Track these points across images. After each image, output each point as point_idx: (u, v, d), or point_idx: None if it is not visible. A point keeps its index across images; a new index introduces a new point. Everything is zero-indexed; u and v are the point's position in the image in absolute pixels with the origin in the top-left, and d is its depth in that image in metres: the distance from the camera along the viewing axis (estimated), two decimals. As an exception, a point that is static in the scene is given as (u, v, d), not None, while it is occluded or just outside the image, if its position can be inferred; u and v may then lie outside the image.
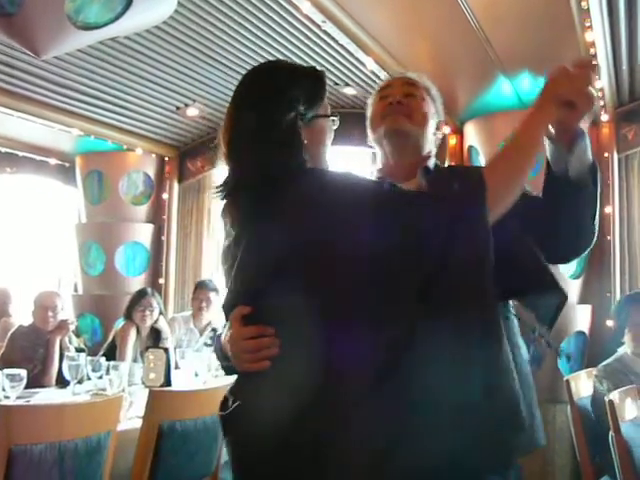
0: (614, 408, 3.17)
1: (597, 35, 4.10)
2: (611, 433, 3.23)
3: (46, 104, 5.76)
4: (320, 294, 1.43)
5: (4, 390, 3.40)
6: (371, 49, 4.42)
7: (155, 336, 5.01)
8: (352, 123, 6.45)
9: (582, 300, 5.21)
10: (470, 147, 5.54)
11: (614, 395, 3.28)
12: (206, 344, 5.24)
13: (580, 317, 5.10)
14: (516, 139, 1.56)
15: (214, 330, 5.38)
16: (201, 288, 5.62)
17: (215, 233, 7.24)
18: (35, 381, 4.17)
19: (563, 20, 3.83)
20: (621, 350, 4.04)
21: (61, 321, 4.56)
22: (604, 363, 4.00)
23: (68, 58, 4.84)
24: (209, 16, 4.44)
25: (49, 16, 3.24)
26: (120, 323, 5.12)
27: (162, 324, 5.07)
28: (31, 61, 4.73)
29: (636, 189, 5.46)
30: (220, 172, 7.22)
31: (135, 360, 4.76)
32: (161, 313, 5.11)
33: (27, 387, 3.68)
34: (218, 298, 5.48)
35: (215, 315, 5.56)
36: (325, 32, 4.40)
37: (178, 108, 6.22)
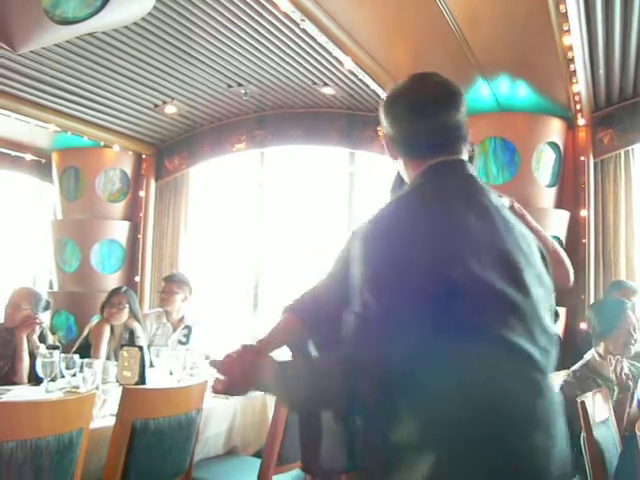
0: (586, 409, 3.19)
1: (575, 39, 4.14)
2: (583, 434, 3.25)
3: (22, 99, 5.71)
4: None
5: (-24, 387, 3.36)
6: (350, 48, 4.42)
7: (129, 335, 4.96)
8: (330, 123, 6.51)
9: (557, 303, 5.22)
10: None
11: (586, 396, 3.31)
12: (180, 342, 5.22)
13: (554, 319, 5.14)
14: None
15: (188, 327, 5.36)
16: (165, 280, 5.62)
17: (191, 231, 7.22)
18: (7, 379, 4.12)
19: (541, 24, 3.86)
20: (588, 355, 4.06)
21: (27, 317, 4.45)
22: (572, 369, 4.03)
23: (45, 53, 4.81)
24: (188, 13, 4.42)
25: (26, 10, 3.21)
26: (95, 320, 5.08)
27: (135, 324, 5.02)
28: (7, 55, 4.69)
29: (611, 193, 5.51)
30: (197, 170, 7.21)
31: (108, 358, 4.72)
32: (133, 312, 5.03)
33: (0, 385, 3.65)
34: (185, 290, 5.46)
35: (188, 310, 5.53)
36: (303, 31, 4.40)
37: (156, 106, 6.19)
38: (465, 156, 1.76)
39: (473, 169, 1.76)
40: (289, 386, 1.64)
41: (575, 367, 4.02)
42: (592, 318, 4.14)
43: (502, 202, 1.77)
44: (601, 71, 4.89)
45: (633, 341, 3.96)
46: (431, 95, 1.75)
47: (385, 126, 1.80)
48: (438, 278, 1.51)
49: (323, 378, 1.57)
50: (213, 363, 1.79)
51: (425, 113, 1.73)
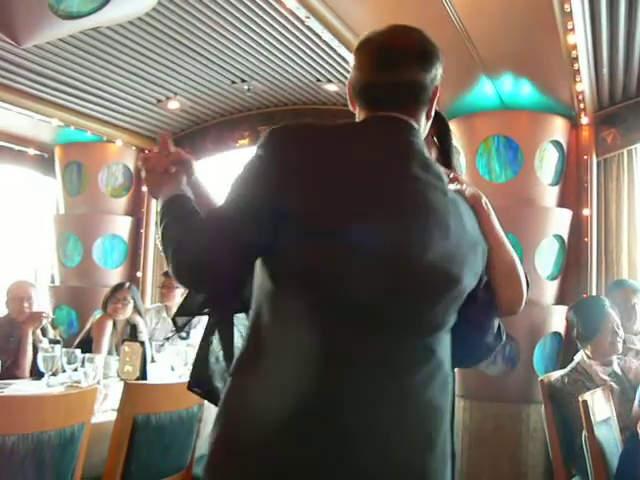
0: (587, 408, 3.19)
1: (579, 38, 4.13)
2: (584, 433, 3.25)
3: (26, 93, 5.71)
4: None
5: (-23, 381, 3.37)
6: (354, 46, 4.41)
7: (131, 330, 4.98)
8: (333, 119, 6.47)
9: (558, 301, 5.24)
10: (451, 146, 5.57)
11: (587, 395, 3.31)
12: (181, 337, 5.23)
13: (556, 318, 5.14)
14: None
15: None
16: (165, 275, 5.64)
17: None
18: (8, 373, 4.13)
19: (546, 22, 3.85)
20: (577, 357, 4.06)
21: (34, 312, 4.50)
22: (561, 374, 4.03)
23: (49, 47, 4.80)
24: (192, 9, 4.42)
25: (30, 4, 3.21)
26: (97, 315, 5.09)
27: (138, 319, 5.04)
28: (11, 49, 4.68)
29: (614, 192, 5.50)
30: (200, 166, 7.19)
31: (110, 353, 4.73)
32: (136, 308, 5.06)
33: (0, 379, 3.65)
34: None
35: None
36: (308, 28, 4.39)
37: (159, 101, 6.19)
38: (420, 124, 1.63)
39: (419, 137, 1.61)
40: (167, 213, 1.62)
41: (564, 371, 4.02)
42: (575, 322, 4.14)
43: (447, 186, 1.59)
44: (605, 70, 4.88)
45: (619, 338, 3.98)
46: (399, 47, 1.61)
47: (351, 71, 1.69)
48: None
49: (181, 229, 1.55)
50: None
51: (387, 64, 1.60)
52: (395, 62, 1.59)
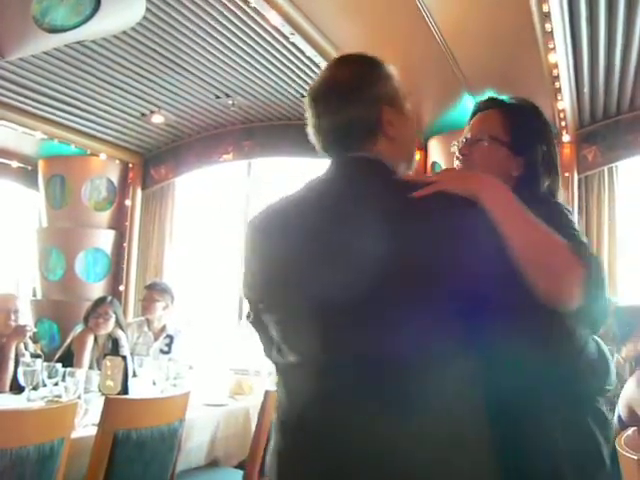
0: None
1: (560, 57, 4.18)
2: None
3: (9, 106, 5.69)
4: None
5: (-43, 395, 3.34)
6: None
7: (112, 344, 4.95)
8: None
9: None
10: (433, 163, 5.60)
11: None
12: (162, 351, 5.20)
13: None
14: None
15: (170, 337, 5.34)
16: (147, 289, 5.60)
17: (177, 241, 7.21)
18: (-12, 387, 4.09)
19: (527, 41, 3.90)
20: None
21: (19, 326, 4.45)
22: None
23: (33, 60, 4.80)
24: (177, 24, 4.43)
25: (14, 17, 3.21)
26: (78, 329, 5.05)
27: (120, 333, 5.01)
28: (-5, 62, 4.68)
29: (595, 209, 5.55)
30: (183, 180, 7.20)
31: (91, 367, 4.70)
32: (118, 322, 5.02)
33: (-20, 393, 3.62)
34: (166, 299, 5.43)
35: (170, 319, 5.51)
36: (293, 44, 4.42)
37: (143, 115, 6.19)
38: (375, 151, 1.53)
39: (367, 168, 1.53)
40: None
41: None
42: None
43: (405, 201, 1.42)
44: (585, 89, 4.93)
45: None
46: (329, 89, 1.60)
47: None
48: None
49: None
50: None
51: (321, 111, 1.62)
52: (326, 107, 1.59)
